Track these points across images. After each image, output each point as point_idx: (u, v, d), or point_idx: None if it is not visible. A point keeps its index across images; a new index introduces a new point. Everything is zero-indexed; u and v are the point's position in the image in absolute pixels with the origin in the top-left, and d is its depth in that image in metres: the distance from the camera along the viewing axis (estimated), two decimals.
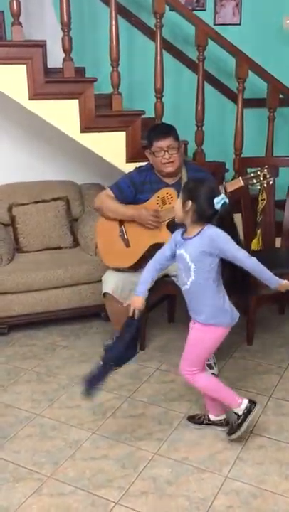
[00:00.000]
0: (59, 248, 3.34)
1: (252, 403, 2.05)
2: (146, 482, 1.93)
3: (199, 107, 3.06)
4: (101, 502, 1.84)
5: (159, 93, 2.96)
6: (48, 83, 2.77)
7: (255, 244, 2.92)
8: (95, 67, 3.20)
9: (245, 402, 2.05)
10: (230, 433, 2.09)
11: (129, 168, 2.76)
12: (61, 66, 2.84)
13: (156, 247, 2.53)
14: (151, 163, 2.58)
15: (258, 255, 2.92)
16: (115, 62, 2.85)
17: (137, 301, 2.02)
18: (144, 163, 2.67)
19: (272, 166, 2.47)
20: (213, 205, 1.86)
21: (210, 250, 1.88)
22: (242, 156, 3.16)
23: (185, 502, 1.84)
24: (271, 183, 2.41)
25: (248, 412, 2.04)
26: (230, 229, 1.90)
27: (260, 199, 2.82)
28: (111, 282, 2.59)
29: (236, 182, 2.41)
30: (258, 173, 2.38)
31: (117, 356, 2.05)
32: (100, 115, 2.87)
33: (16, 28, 2.69)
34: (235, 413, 2.06)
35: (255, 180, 2.39)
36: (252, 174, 2.39)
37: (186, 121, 3.05)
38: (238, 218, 2.88)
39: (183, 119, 3.00)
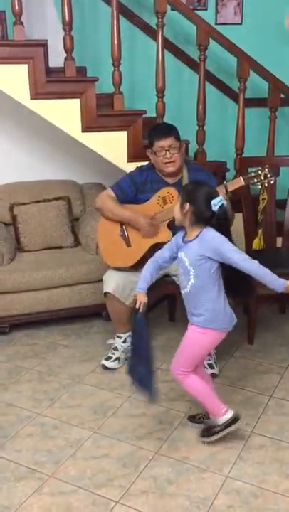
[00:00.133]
0: (60, 248, 3.34)
1: (235, 419, 2.06)
2: (146, 481, 1.94)
3: (200, 107, 3.06)
4: (102, 501, 1.85)
5: (161, 92, 2.96)
6: (50, 83, 2.77)
7: (256, 243, 2.92)
8: (96, 67, 3.21)
9: (229, 415, 2.06)
10: (202, 435, 2.12)
11: (131, 167, 2.76)
12: (62, 65, 2.84)
13: (157, 246, 2.54)
14: (153, 162, 2.58)
15: (260, 255, 2.94)
16: (117, 62, 2.85)
17: (140, 296, 2.03)
18: (145, 163, 2.68)
19: (272, 165, 2.47)
20: (210, 207, 1.86)
21: (208, 254, 1.88)
22: (243, 155, 3.16)
23: (186, 501, 1.84)
24: (272, 182, 2.40)
25: (227, 425, 2.06)
26: (227, 232, 1.90)
27: (261, 198, 2.82)
28: (112, 282, 2.59)
29: (237, 181, 2.41)
30: (259, 172, 2.37)
31: (143, 355, 2.01)
32: (102, 115, 2.87)
33: (17, 28, 2.69)
34: (213, 429, 2.09)
35: (255, 180, 2.39)
36: (253, 173, 2.39)
37: (188, 121, 3.05)
38: (239, 218, 2.90)
39: (184, 119, 3.00)
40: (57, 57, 2.98)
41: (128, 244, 2.61)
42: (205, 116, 3.08)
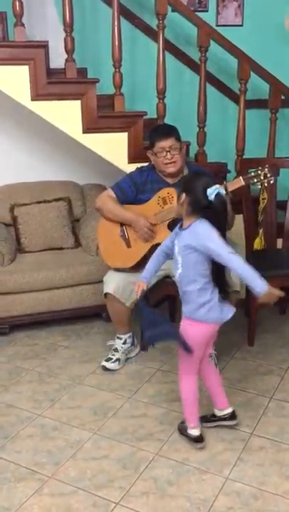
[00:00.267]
0: (61, 248, 3.35)
1: (197, 440, 2.08)
2: (147, 483, 1.94)
3: (201, 108, 3.06)
4: (102, 502, 1.85)
5: (161, 94, 2.96)
6: (50, 84, 2.77)
7: (257, 243, 2.92)
8: (97, 68, 3.21)
9: (192, 433, 2.09)
10: (179, 426, 2.17)
11: (131, 168, 2.76)
12: (63, 67, 2.84)
13: (157, 247, 2.54)
14: (153, 163, 2.58)
15: (261, 255, 2.95)
16: (117, 63, 2.86)
17: (140, 283, 2.09)
18: (145, 164, 2.68)
19: (272, 165, 2.47)
20: (206, 196, 1.85)
21: (194, 245, 1.88)
22: (244, 157, 3.16)
23: (186, 503, 1.84)
24: (272, 181, 2.40)
25: (189, 439, 2.11)
26: (222, 223, 1.88)
27: (261, 198, 2.82)
28: (112, 283, 2.59)
29: (237, 181, 2.41)
30: (259, 172, 2.38)
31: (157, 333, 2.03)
32: (102, 116, 2.88)
33: (18, 29, 2.70)
34: (184, 427, 2.13)
35: (255, 180, 2.39)
36: (252, 173, 2.39)
37: (188, 122, 3.05)
38: (239, 219, 2.90)
39: (185, 120, 2.99)
40: (58, 59, 2.98)
41: (128, 245, 2.61)
42: (206, 117, 3.08)
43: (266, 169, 2.37)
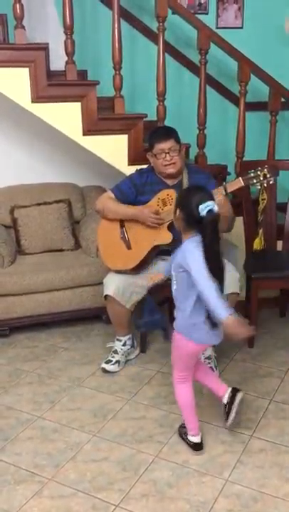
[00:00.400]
0: (61, 250, 3.35)
1: (197, 446, 2.08)
2: (146, 485, 1.93)
3: (201, 110, 3.06)
4: (102, 505, 1.85)
5: (161, 96, 2.96)
6: (51, 86, 2.77)
7: (257, 243, 2.92)
8: (97, 70, 3.21)
9: (194, 440, 2.08)
10: (179, 429, 2.18)
11: (131, 170, 2.77)
12: (63, 69, 2.85)
13: (157, 248, 2.55)
14: (153, 165, 2.59)
15: (260, 257, 2.95)
16: (118, 66, 2.86)
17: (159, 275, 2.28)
18: (145, 166, 2.68)
19: (272, 166, 2.47)
20: (198, 212, 1.82)
21: (183, 264, 1.86)
22: (244, 159, 3.17)
23: (185, 505, 1.84)
24: (271, 182, 2.41)
25: (189, 445, 2.09)
26: (212, 238, 1.82)
27: (260, 199, 2.82)
28: (112, 284, 2.59)
29: (236, 182, 2.41)
30: (258, 172, 2.38)
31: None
32: (102, 118, 2.88)
33: (19, 32, 2.70)
34: (185, 431, 2.12)
35: (255, 180, 2.39)
36: (252, 174, 2.40)
37: (188, 124, 3.05)
38: (239, 221, 2.91)
39: (185, 122, 3.00)
40: (58, 61, 2.99)
41: (128, 247, 2.61)
42: (206, 119, 3.08)
43: (266, 170, 2.37)
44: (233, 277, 2.48)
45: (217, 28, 3.47)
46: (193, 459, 2.06)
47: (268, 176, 2.37)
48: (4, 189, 3.41)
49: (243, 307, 3.07)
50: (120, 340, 2.74)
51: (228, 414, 2.12)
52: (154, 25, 3.01)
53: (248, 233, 3.04)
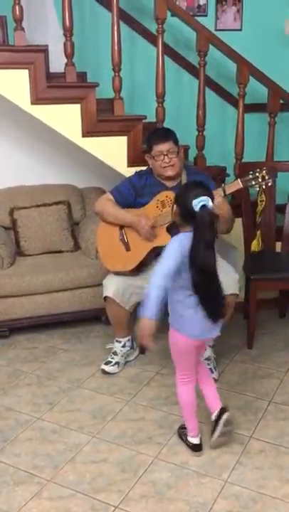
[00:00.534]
0: (60, 252, 3.35)
1: (195, 448, 2.08)
2: (146, 486, 1.94)
3: (200, 112, 3.07)
4: (101, 506, 1.85)
5: (161, 98, 2.97)
6: (50, 88, 2.78)
7: (255, 245, 2.93)
8: (97, 72, 3.22)
9: (192, 441, 2.08)
10: (178, 430, 2.18)
11: (131, 172, 2.77)
12: (63, 70, 2.85)
13: (156, 250, 2.55)
14: (151, 167, 2.59)
15: (259, 258, 2.95)
16: (117, 67, 2.87)
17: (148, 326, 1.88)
18: (144, 168, 2.69)
19: (270, 167, 2.48)
20: (192, 207, 1.82)
21: None
22: (243, 160, 3.17)
23: (185, 506, 1.84)
24: (270, 184, 2.41)
25: (189, 446, 2.09)
26: (206, 234, 1.81)
27: (259, 200, 2.83)
28: (112, 286, 2.59)
29: (235, 184, 2.42)
30: (257, 174, 2.38)
31: None
32: (102, 120, 2.88)
33: (18, 34, 2.71)
34: (185, 432, 2.12)
35: (254, 182, 2.40)
36: (250, 176, 2.40)
37: (187, 126, 3.06)
38: (238, 222, 2.91)
39: (184, 124, 3.01)
40: (57, 62, 2.99)
41: (127, 249, 2.61)
42: (205, 121, 3.09)
43: (264, 171, 2.38)
44: (232, 278, 2.49)
45: (216, 30, 3.48)
46: (193, 460, 2.06)
47: (267, 177, 2.38)
48: (4, 190, 3.42)
49: (242, 308, 3.08)
50: (120, 342, 2.75)
51: (212, 432, 2.09)
52: (153, 28, 3.02)
53: (247, 234, 3.04)
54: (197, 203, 1.82)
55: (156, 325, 1.83)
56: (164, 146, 2.48)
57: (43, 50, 2.77)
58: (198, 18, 3.14)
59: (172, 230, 2.47)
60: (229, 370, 2.70)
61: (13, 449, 2.15)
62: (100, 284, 2.73)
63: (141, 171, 2.68)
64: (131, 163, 2.95)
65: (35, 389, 2.57)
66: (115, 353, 2.73)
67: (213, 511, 1.82)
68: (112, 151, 2.94)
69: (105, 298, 2.62)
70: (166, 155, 2.48)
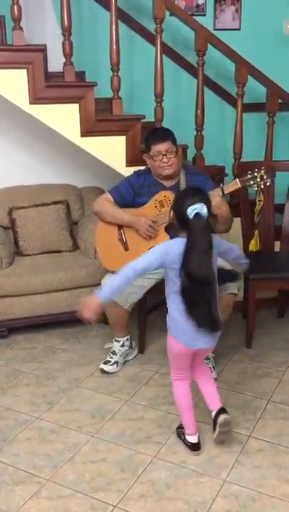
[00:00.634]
0: (59, 251, 3.35)
1: (194, 447, 2.08)
2: (145, 485, 1.94)
3: (199, 112, 3.07)
4: (100, 505, 1.85)
5: (159, 97, 2.97)
6: (49, 87, 2.78)
7: (253, 245, 2.93)
8: (95, 71, 3.22)
9: (190, 440, 2.09)
10: (176, 429, 2.18)
11: (129, 172, 2.77)
12: (61, 70, 2.85)
13: None
14: (149, 167, 2.59)
15: (257, 258, 2.96)
16: (115, 67, 2.87)
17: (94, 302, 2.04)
18: (142, 168, 2.69)
19: (269, 167, 2.48)
20: (186, 215, 1.83)
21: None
22: (241, 160, 3.17)
23: (184, 505, 1.84)
24: (268, 183, 2.41)
25: (186, 445, 2.10)
26: (198, 242, 1.81)
27: (257, 200, 2.83)
28: None
29: (234, 184, 2.42)
30: (255, 174, 2.39)
31: None
32: (100, 119, 2.88)
33: (16, 33, 2.71)
34: (183, 432, 2.12)
35: (252, 182, 2.40)
36: (249, 175, 2.41)
37: (186, 126, 3.06)
38: (237, 222, 2.91)
39: (182, 124, 3.01)
40: (56, 61, 2.99)
41: (126, 248, 2.61)
42: (203, 121, 3.09)
43: (262, 171, 2.38)
44: None
45: (215, 29, 3.48)
46: (191, 460, 2.06)
47: (265, 177, 2.38)
48: (2, 190, 3.41)
49: (241, 308, 3.08)
50: (118, 341, 2.75)
51: (214, 429, 2.10)
52: (151, 27, 3.02)
53: (245, 234, 3.04)
54: (191, 211, 1.83)
55: (101, 306, 1.96)
56: (162, 146, 2.48)
57: (42, 50, 2.77)
58: (197, 18, 3.14)
59: (170, 230, 2.47)
60: (228, 369, 2.70)
61: (12, 448, 2.15)
62: (99, 284, 2.72)
63: (139, 170, 2.68)
64: (129, 162, 2.95)
65: (34, 389, 2.58)
66: (114, 353, 2.74)
67: (212, 510, 1.82)
68: (111, 151, 2.94)
69: None
70: (165, 155, 2.48)
